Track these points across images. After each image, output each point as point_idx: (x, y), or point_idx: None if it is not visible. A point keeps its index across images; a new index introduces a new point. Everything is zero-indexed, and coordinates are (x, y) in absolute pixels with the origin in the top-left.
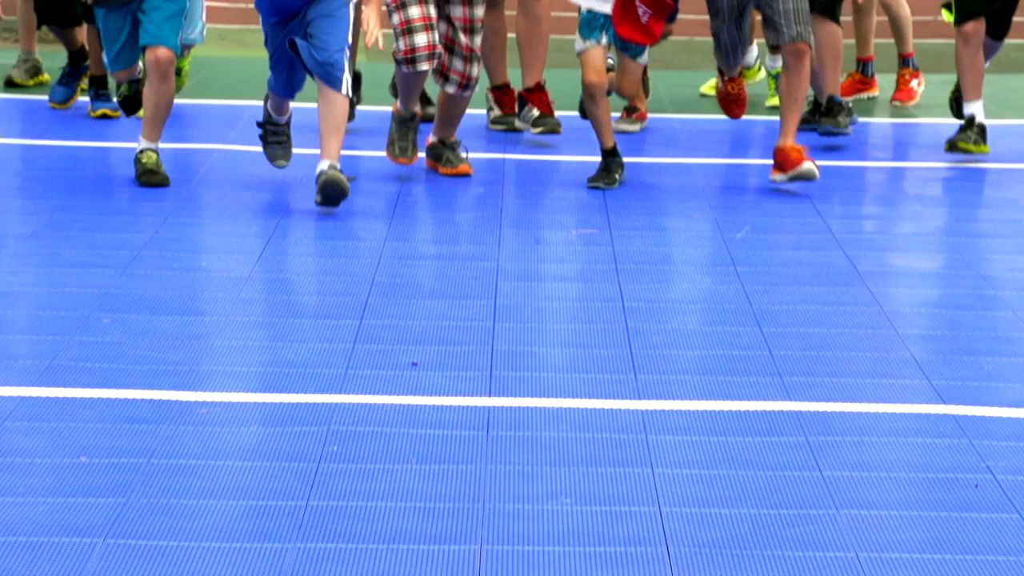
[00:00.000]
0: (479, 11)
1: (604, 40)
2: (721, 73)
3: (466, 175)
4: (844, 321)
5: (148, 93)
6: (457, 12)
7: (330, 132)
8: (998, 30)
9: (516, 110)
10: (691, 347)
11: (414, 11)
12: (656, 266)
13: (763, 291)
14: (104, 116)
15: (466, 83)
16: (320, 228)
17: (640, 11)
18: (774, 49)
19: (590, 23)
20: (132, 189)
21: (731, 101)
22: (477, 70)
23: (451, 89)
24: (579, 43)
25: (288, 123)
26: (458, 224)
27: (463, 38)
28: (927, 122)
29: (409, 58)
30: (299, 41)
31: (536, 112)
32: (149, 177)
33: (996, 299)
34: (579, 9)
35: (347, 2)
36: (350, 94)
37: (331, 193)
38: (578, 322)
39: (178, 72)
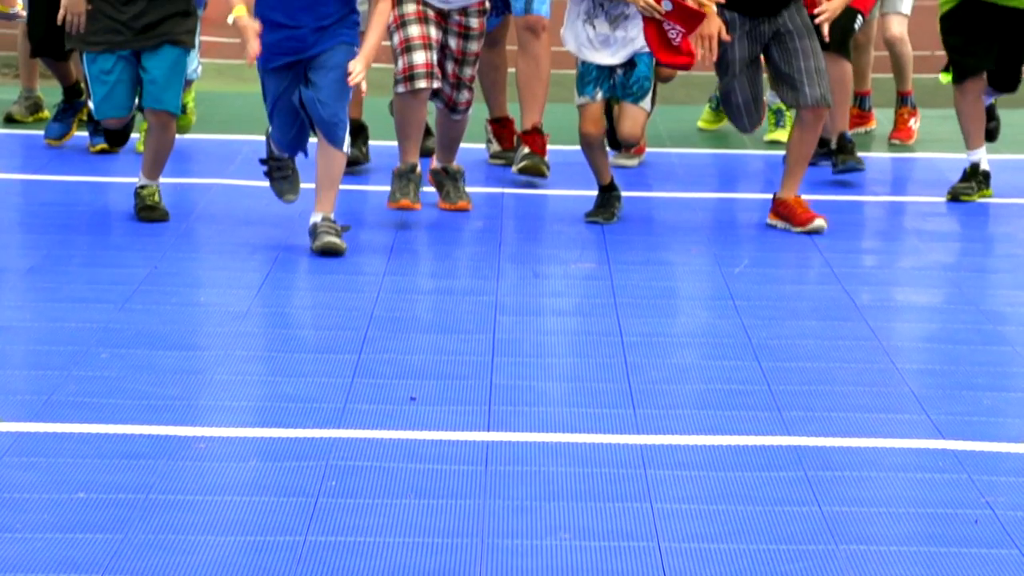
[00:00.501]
0: (473, 45)
1: (599, 96)
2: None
3: (464, 211)
4: (843, 356)
5: (150, 141)
6: (452, 43)
7: (326, 186)
8: (1004, 83)
9: (515, 145)
10: (690, 381)
11: (413, 30)
12: (655, 300)
13: (762, 325)
14: (103, 151)
15: (452, 106)
16: (318, 263)
17: (672, 35)
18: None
19: (584, 77)
20: (131, 224)
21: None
22: (466, 96)
23: (439, 104)
24: (577, 97)
25: (292, 157)
26: (457, 258)
27: (450, 66)
28: (925, 157)
29: (406, 76)
30: (305, 94)
31: (526, 150)
32: (148, 213)
33: (995, 334)
34: (576, 60)
35: (353, 54)
36: (349, 151)
37: (327, 256)
38: (577, 356)
39: (183, 109)
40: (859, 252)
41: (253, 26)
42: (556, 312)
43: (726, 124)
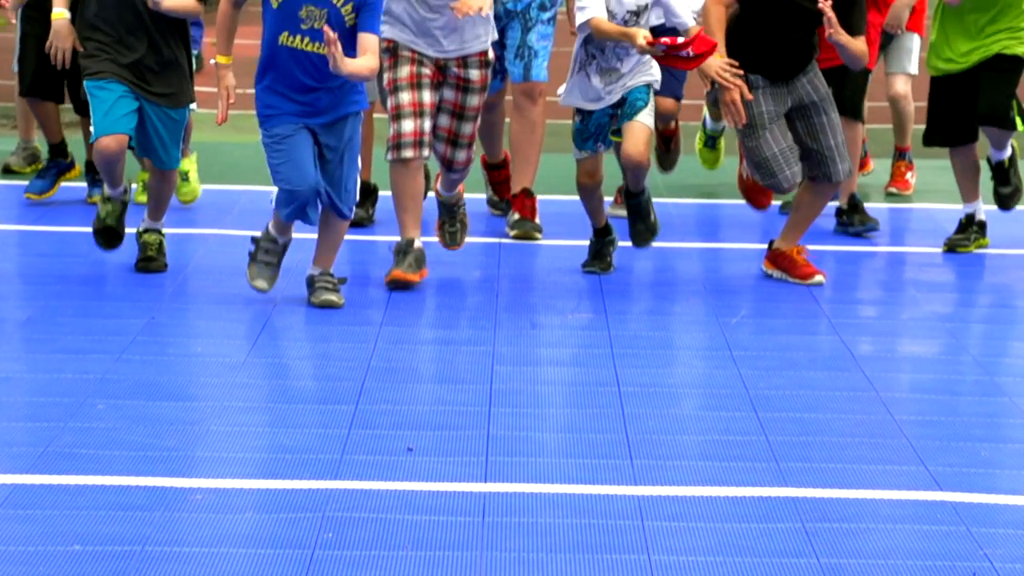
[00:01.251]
0: (473, 100)
1: (600, 148)
2: (712, 138)
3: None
4: (840, 406)
5: (151, 184)
6: (449, 95)
7: (328, 248)
8: (993, 119)
9: (511, 194)
10: (687, 432)
11: (404, 96)
12: (652, 350)
13: (759, 376)
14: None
15: (448, 164)
16: (315, 313)
17: (684, 54)
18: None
19: (582, 134)
20: (128, 275)
21: (757, 190)
22: (463, 156)
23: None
24: (576, 152)
25: (285, 248)
26: (454, 309)
27: (446, 120)
28: (922, 207)
29: (394, 144)
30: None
31: (516, 216)
32: (145, 264)
33: (993, 385)
34: (573, 116)
35: (362, 120)
36: (352, 215)
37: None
38: (574, 407)
39: (185, 177)
40: (856, 302)
41: (229, 84)
42: (553, 362)
43: (723, 164)
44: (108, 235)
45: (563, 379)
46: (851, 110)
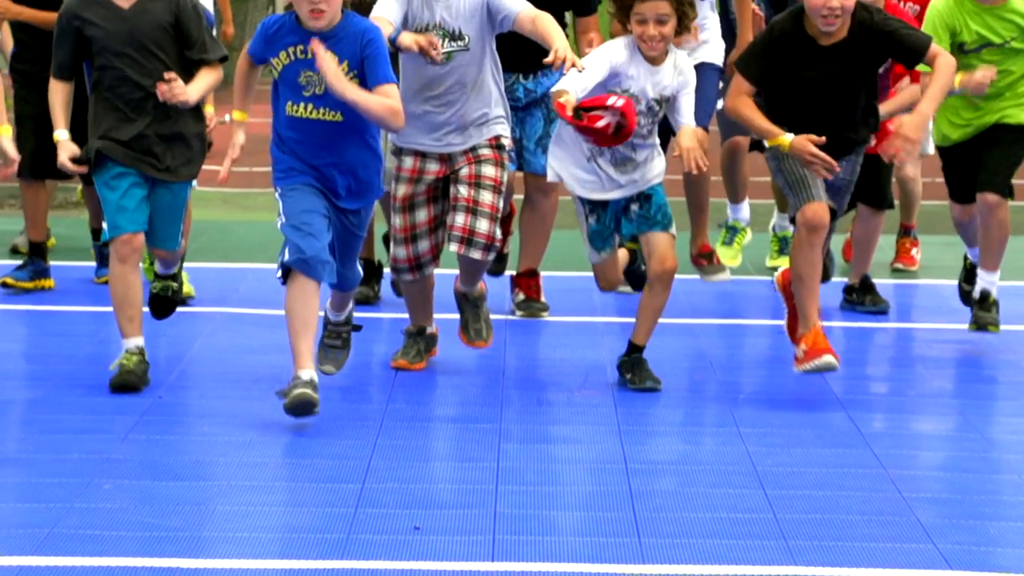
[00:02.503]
0: (488, 169)
1: (616, 243)
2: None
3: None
4: (849, 484)
5: (133, 280)
6: (463, 172)
7: (335, 296)
8: (992, 185)
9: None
10: (695, 509)
11: (396, 220)
12: (659, 427)
13: (767, 453)
14: (108, 282)
15: (468, 238)
16: (322, 391)
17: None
18: (782, 208)
19: (600, 234)
20: None
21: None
22: (485, 226)
23: (453, 247)
24: (592, 255)
25: (346, 322)
26: (461, 386)
27: (465, 190)
28: (928, 283)
29: (392, 266)
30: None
31: (522, 296)
32: (124, 378)
33: (1001, 462)
34: (585, 220)
35: (372, 209)
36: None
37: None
38: (581, 484)
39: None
40: (864, 378)
41: (238, 141)
42: (560, 439)
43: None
44: (163, 304)
45: (570, 456)
46: (880, 199)
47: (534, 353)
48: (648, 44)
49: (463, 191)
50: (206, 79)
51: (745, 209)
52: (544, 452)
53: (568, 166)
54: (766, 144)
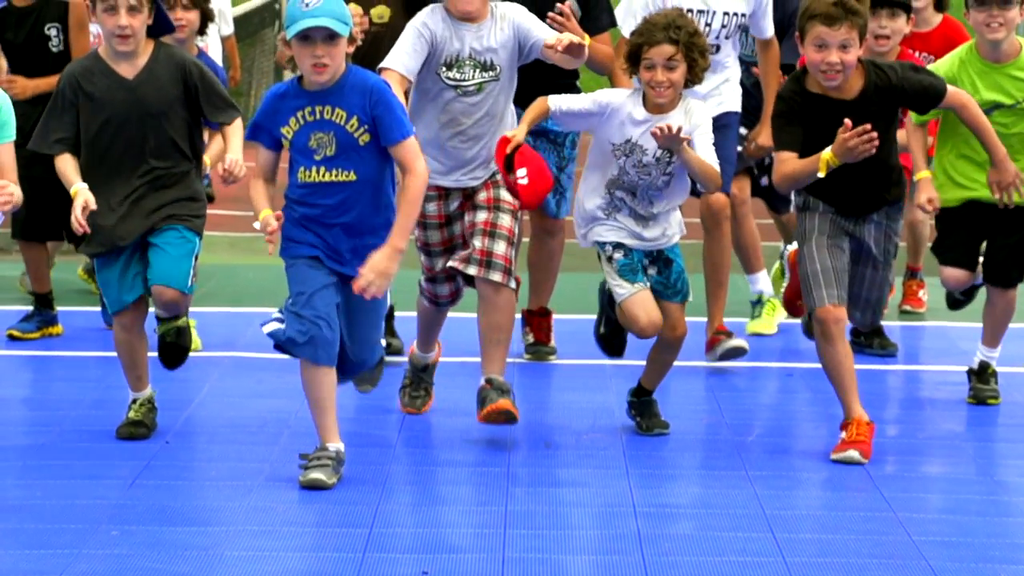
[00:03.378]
0: (507, 193)
1: (646, 280)
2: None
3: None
4: (857, 527)
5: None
6: (482, 195)
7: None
8: (996, 276)
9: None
10: (704, 553)
11: (437, 263)
12: (667, 470)
13: (776, 496)
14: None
15: (487, 260)
16: None
17: (517, 176)
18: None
19: (630, 267)
20: None
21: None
22: (504, 248)
23: (472, 270)
24: (620, 291)
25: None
26: (467, 430)
27: (484, 214)
28: (935, 325)
29: (431, 300)
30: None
31: (531, 339)
32: (131, 430)
33: (1011, 505)
34: (609, 261)
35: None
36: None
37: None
38: (589, 528)
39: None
40: (872, 421)
41: (272, 224)
42: (568, 483)
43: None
44: (173, 351)
45: (578, 500)
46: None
47: (542, 396)
48: (656, 91)
49: (481, 215)
50: (237, 135)
51: (763, 280)
52: (553, 496)
53: (594, 227)
54: (819, 175)
